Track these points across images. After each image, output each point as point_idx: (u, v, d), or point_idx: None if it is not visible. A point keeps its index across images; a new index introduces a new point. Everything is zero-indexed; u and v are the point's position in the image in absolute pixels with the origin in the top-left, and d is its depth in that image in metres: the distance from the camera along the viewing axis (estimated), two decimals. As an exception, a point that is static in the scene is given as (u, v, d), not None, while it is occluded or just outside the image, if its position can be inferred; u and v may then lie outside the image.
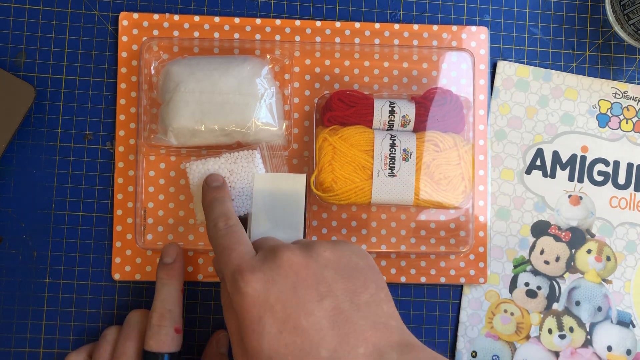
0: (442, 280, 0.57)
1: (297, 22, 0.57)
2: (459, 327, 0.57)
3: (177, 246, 0.52)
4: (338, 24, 0.57)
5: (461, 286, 0.57)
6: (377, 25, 0.58)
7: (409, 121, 0.54)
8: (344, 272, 0.41)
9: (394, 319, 0.41)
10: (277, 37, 0.57)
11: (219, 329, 0.55)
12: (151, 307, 0.50)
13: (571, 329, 0.57)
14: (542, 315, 0.57)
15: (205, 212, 0.49)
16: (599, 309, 0.58)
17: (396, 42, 0.58)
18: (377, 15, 0.58)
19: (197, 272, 0.55)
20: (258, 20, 0.57)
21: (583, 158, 0.59)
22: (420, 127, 0.54)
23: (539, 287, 0.57)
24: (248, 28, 0.57)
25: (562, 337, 0.57)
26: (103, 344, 0.51)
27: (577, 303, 0.58)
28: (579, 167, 0.58)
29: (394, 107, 0.54)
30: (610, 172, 0.59)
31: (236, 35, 0.57)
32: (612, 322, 0.58)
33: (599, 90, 0.59)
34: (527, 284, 0.57)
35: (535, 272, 0.58)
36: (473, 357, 0.57)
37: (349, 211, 0.56)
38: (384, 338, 0.39)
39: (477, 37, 0.58)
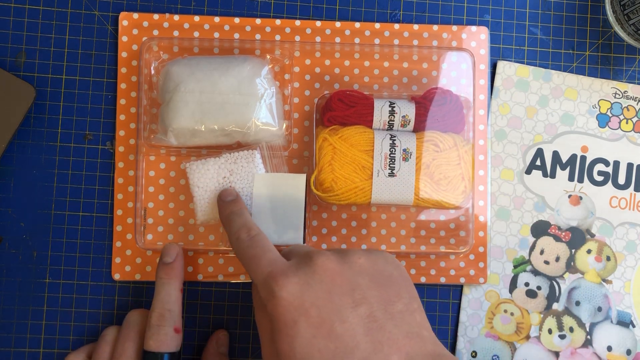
0: (442, 280, 0.57)
1: (297, 22, 0.57)
2: (459, 327, 0.57)
3: (177, 246, 0.52)
4: (338, 24, 0.57)
5: (461, 286, 0.57)
6: (377, 25, 0.58)
7: (409, 121, 0.54)
8: (378, 280, 0.41)
9: (426, 329, 0.41)
10: (277, 37, 0.57)
11: (218, 329, 0.55)
12: (151, 307, 0.50)
13: (571, 329, 0.57)
14: (542, 315, 0.57)
15: (226, 227, 0.49)
16: (599, 309, 0.58)
17: (396, 42, 0.58)
18: (377, 15, 0.58)
19: (197, 272, 0.55)
20: (258, 20, 0.57)
21: (583, 158, 0.59)
22: (420, 127, 0.54)
23: (539, 287, 0.57)
24: (248, 28, 0.57)
25: (562, 337, 0.57)
26: (102, 345, 0.51)
27: (577, 303, 0.58)
28: (579, 167, 0.58)
29: (394, 107, 0.54)
30: (610, 172, 0.59)
31: (236, 35, 0.57)
32: (612, 322, 0.58)
33: (599, 90, 0.59)
34: (527, 284, 0.57)
35: (535, 272, 0.58)
36: (473, 357, 0.57)
37: (349, 211, 0.56)
38: (416, 348, 0.39)
39: (477, 37, 0.58)
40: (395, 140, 0.53)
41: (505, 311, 0.57)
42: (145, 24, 0.56)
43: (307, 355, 0.38)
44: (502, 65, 0.59)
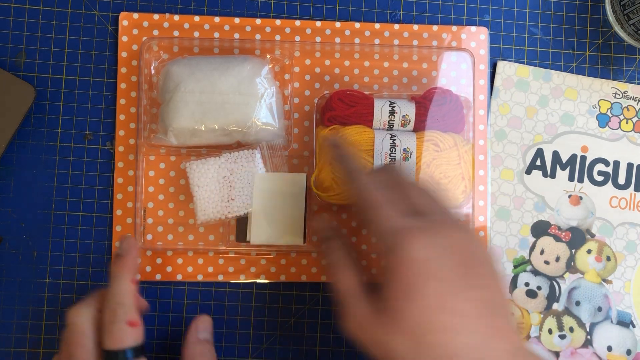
0: (442, 280, 0.57)
1: (297, 22, 0.57)
2: (459, 327, 0.57)
3: (133, 240, 0.51)
4: (338, 24, 0.57)
5: (461, 286, 0.57)
6: (377, 26, 0.58)
7: (409, 121, 0.54)
8: (496, 271, 0.42)
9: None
10: (277, 37, 0.57)
11: (197, 315, 0.52)
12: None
13: (571, 329, 0.57)
14: (542, 315, 0.57)
15: (344, 164, 0.47)
16: (599, 309, 0.58)
17: (396, 42, 0.58)
18: (377, 16, 0.58)
19: (197, 272, 0.55)
20: (258, 20, 0.57)
21: (583, 158, 0.59)
22: (420, 127, 0.54)
23: (539, 287, 0.57)
24: (248, 28, 0.57)
25: (562, 337, 0.57)
26: (60, 349, 0.47)
27: (577, 303, 0.58)
28: (579, 167, 0.58)
29: (394, 107, 0.54)
30: (610, 172, 0.59)
31: (236, 35, 0.57)
32: (612, 322, 0.58)
33: (599, 90, 0.59)
34: (527, 284, 0.57)
35: (535, 272, 0.58)
36: (473, 357, 0.57)
37: (349, 211, 0.56)
38: (519, 343, 0.40)
39: (477, 37, 0.58)
40: (395, 139, 0.53)
41: (506, 311, 0.57)
42: (145, 24, 0.56)
43: (425, 321, 0.38)
44: (502, 65, 0.59)
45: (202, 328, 0.51)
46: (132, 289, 0.47)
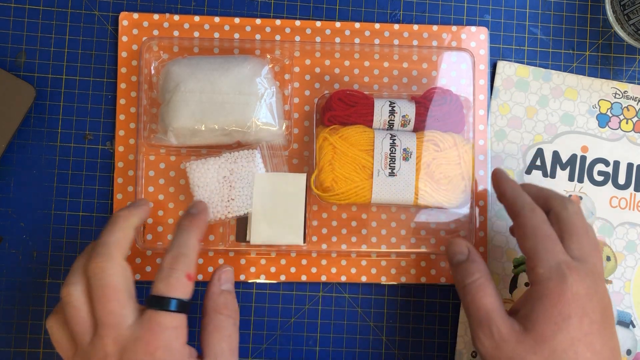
0: (442, 280, 0.57)
1: (297, 22, 0.57)
2: (459, 327, 0.57)
3: (205, 203, 0.50)
4: (338, 24, 0.57)
5: (461, 286, 0.57)
6: (377, 26, 0.58)
7: (409, 121, 0.54)
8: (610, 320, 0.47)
9: None
10: (277, 37, 0.57)
11: (217, 268, 0.50)
12: (165, 250, 0.46)
13: (571, 329, 0.57)
14: (542, 315, 0.57)
15: (513, 198, 0.49)
16: (599, 309, 0.58)
17: (396, 42, 0.58)
18: (377, 16, 0.58)
19: (197, 272, 0.55)
20: (258, 20, 0.57)
21: (583, 158, 0.59)
22: (420, 126, 0.54)
23: (539, 287, 0.57)
24: (248, 28, 0.57)
25: (562, 337, 0.57)
26: (73, 311, 0.44)
27: (577, 303, 0.57)
28: (579, 167, 0.58)
29: (394, 106, 0.54)
30: (610, 172, 0.59)
31: (236, 35, 0.57)
32: (612, 322, 0.58)
33: (599, 90, 0.59)
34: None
35: (536, 272, 0.58)
36: (473, 357, 0.57)
37: (349, 211, 0.56)
38: None
39: (477, 37, 0.58)
40: (395, 139, 0.53)
41: (506, 311, 0.57)
42: (145, 24, 0.56)
43: (560, 350, 0.43)
44: (502, 65, 0.59)
45: (224, 279, 0.49)
46: (197, 247, 0.46)
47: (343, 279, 0.56)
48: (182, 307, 0.44)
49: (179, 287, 0.44)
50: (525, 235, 0.47)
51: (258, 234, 0.53)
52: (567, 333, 0.43)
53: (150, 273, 0.55)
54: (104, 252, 0.44)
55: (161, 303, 0.43)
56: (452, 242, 0.51)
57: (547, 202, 0.49)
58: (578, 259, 0.46)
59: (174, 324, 0.43)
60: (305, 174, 0.54)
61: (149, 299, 0.44)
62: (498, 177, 0.52)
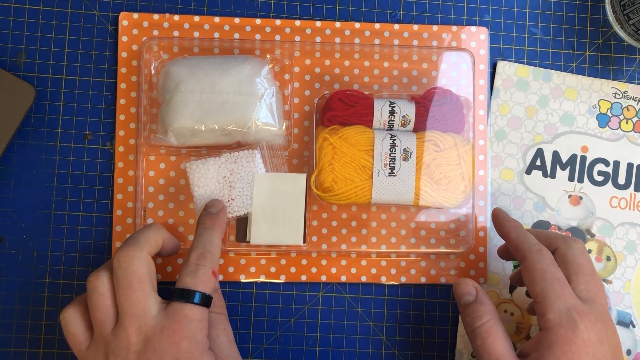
0: (442, 280, 0.57)
1: (297, 22, 0.57)
2: (459, 327, 0.57)
3: (222, 202, 0.52)
4: (338, 24, 0.57)
5: (461, 286, 0.57)
6: (377, 26, 0.58)
7: (409, 121, 0.54)
8: None
9: None
10: (277, 37, 0.57)
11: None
12: (190, 248, 0.48)
13: (571, 329, 0.57)
14: (542, 315, 0.57)
15: (517, 239, 0.49)
16: (599, 309, 0.58)
17: (396, 42, 0.58)
18: (377, 16, 0.58)
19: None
20: (258, 21, 0.57)
21: (583, 158, 0.59)
22: (420, 127, 0.54)
23: (539, 287, 0.57)
24: (248, 28, 0.57)
25: (562, 337, 0.57)
26: (97, 297, 0.45)
27: (577, 303, 0.58)
28: (579, 167, 0.58)
29: (394, 107, 0.54)
30: (610, 172, 0.59)
31: (236, 35, 0.57)
32: (612, 322, 0.58)
33: (599, 90, 0.59)
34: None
35: (536, 272, 0.58)
36: (473, 357, 0.57)
37: (349, 211, 0.56)
38: None
39: (477, 37, 0.58)
40: (395, 140, 0.53)
41: (506, 311, 0.57)
42: (145, 24, 0.56)
43: None
44: (502, 65, 0.59)
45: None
46: (220, 244, 0.49)
47: (343, 279, 0.56)
48: (206, 301, 0.45)
49: (206, 282, 0.46)
50: (533, 279, 0.47)
51: (258, 234, 0.53)
52: None
53: (150, 273, 0.55)
54: (134, 243, 0.46)
55: (187, 296, 0.45)
56: (459, 282, 0.50)
57: (551, 243, 0.49)
58: (587, 300, 0.46)
59: (199, 317, 0.45)
60: (305, 174, 0.54)
61: (175, 291, 0.45)
62: (500, 218, 0.52)
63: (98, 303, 0.45)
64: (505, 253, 0.54)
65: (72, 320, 0.46)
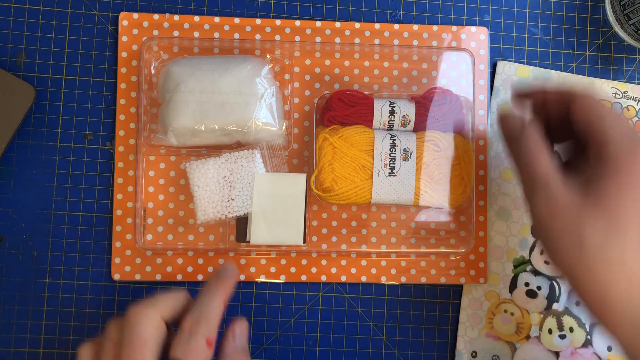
0: (442, 280, 0.57)
1: (297, 22, 0.57)
2: (459, 327, 0.57)
3: (236, 268, 0.49)
4: (338, 24, 0.57)
5: (461, 286, 0.57)
6: (377, 26, 0.58)
7: (409, 121, 0.54)
8: None
9: None
10: (277, 37, 0.57)
11: (232, 322, 0.48)
12: (189, 310, 0.45)
13: (571, 329, 0.57)
14: (542, 316, 0.57)
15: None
16: (599, 309, 0.58)
17: (396, 42, 0.58)
18: (377, 16, 0.58)
19: (197, 272, 0.55)
20: (258, 21, 0.57)
21: (583, 158, 0.58)
22: (420, 127, 0.54)
23: (539, 287, 0.57)
24: (248, 28, 0.57)
25: (562, 337, 0.57)
26: (107, 345, 0.44)
27: (577, 303, 0.58)
28: (579, 167, 0.58)
29: (394, 107, 0.54)
30: (610, 172, 0.58)
31: (236, 35, 0.57)
32: (612, 322, 0.58)
33: (598, 90, 0.59)
34: (527, 284, 0.57)
35: (536, 272, 0.58)
36: (473, 357, 0.57)
37: (349, 211, 0.56)
38: None
39: (477, 37, 0.58)
40: (395, 140, 0.53)
41: (506, 311, 0.57)
42: (145, 24, 0.56)
43: (629, 213, 0.41)
44: (502, 65, 0.59)
45: (238, 334, 0.47)
46: (221, 310, 0.45)
47: (343, 279, 0.56)
48: None
49: (197, 354, 0.42)
50: (589, 113, 0.44)
51: (258, 234, 0.53)
52: (635, 196, 0.41)
53: (150, 273, 0.55)
54: (150, 302, 0.44)
55: None
56: (504, 117, 0.48)
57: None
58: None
59: None
60: (305, 174, 0.54)
61: None
62: (520, 89, 0.49)
63: (107, 351, 0.43)
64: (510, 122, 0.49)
65: (84, 355, 0.44)
